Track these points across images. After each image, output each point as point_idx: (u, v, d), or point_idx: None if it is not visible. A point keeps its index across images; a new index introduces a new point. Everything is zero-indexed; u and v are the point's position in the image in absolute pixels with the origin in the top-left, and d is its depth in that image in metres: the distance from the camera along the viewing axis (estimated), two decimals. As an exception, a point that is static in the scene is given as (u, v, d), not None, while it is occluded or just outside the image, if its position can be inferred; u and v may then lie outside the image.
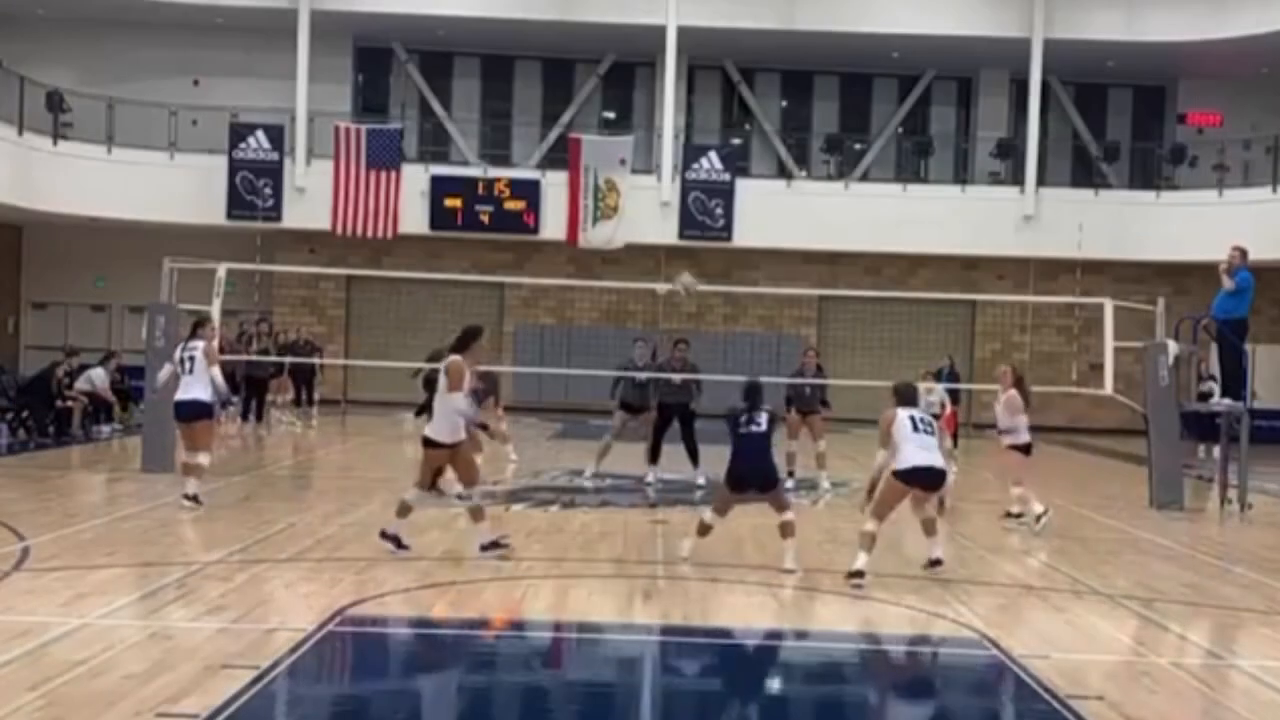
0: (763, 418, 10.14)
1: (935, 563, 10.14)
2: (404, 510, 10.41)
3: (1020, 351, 30.54)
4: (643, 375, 16.20)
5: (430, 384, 15.59)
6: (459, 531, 11.71)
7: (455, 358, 10.56)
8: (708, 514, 10.43)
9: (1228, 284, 15.20)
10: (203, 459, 12.61)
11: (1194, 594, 9.86)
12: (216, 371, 12.68)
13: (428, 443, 10.31)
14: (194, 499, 12.27)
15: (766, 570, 10.31)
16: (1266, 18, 26.91)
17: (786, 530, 10.14)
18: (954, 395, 22.80)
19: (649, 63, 30.40)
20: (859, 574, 9.56)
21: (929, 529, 10.22)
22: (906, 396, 10.46)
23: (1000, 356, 30.42)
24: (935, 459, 9.94)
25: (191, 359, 12.61)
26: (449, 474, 10.60)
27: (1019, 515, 13.57)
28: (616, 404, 16.17)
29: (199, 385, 12.56)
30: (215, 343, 13.12)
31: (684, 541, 10.51)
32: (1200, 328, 16.81)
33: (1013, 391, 13.89)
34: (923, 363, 28.68)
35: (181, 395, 12.64)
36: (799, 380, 16.61)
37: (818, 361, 17.12)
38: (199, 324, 13.08)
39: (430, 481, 10.49)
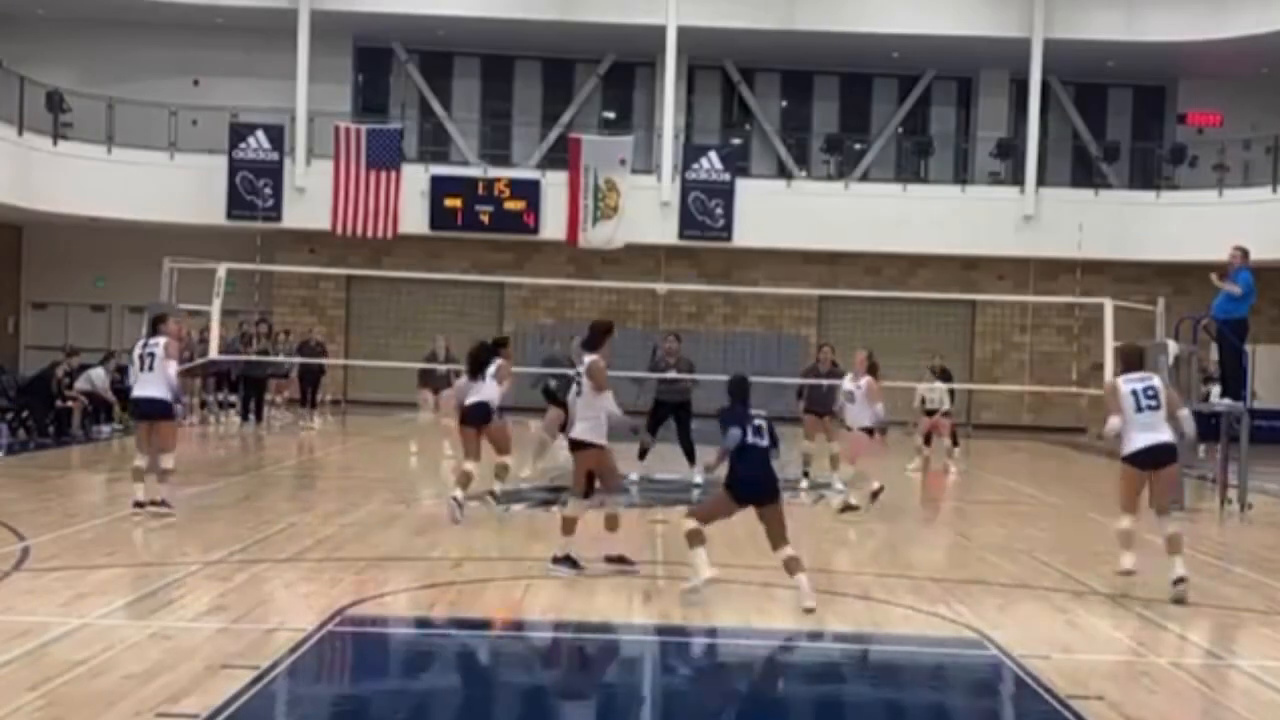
0: (762, 426, 9.11)
1: (1179, 581, 9.44)
2: (569, 526, 9.81)
3: (1020, 351, 30.56)
4: (639, 374, 16.15)
5: (550, 394, 15.66)
6: (459, 531, 11.72)
7: (595, 357, 10.00)
8: (692, 522, 9.17)
9: (1232, 288, 15.17)
10: (168, 461, 12.06)
11: (1194, 594, 9.84)
12: (173, 368, 12.12)
13: (579, 445, 9.88)
14: (163, 503, 11.80)
15: (766, 570, 10.31)
16: (1266, 18, 26.90)
17: (793, 567, 8.93)
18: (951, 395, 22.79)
19: (649, 63, 30.40)
20: (1128, 573, 9.57)
21: (1173, 546, 9.58)
22: (1130, 360, 9.87)
23: (1000, 356, 30.54)
24: (1162, 435, 9.51)
25: (152, 356, 12.05)
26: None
27: (856, 507, 13.79)
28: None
29: (158, 383, 12.00)
30: (175, 342, 12.62)
31: (699, 571, 9.00)
32: (1200, 328, 16.80)
33: (871, 378, 14.32)
34: (924, 362, 28.78)
35: (140, 392, 12.12)
36: (812, 380, 16.50)
37: (833, 359, 16.86)
38: (160, 320, 12.53)
39: (588, 486, 9.97)
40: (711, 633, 8.50)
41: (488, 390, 12.55)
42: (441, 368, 19.65)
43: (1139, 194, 29.61)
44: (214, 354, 17.96)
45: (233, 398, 24.45)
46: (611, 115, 32.09)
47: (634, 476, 15.74)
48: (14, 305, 30.33)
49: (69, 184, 26.87)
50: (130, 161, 27.87)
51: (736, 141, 31.46)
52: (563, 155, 29.21)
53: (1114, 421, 9.63)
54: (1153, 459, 9.53)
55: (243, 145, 28.45)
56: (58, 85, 27.51)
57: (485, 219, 28.88)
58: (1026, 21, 28.64)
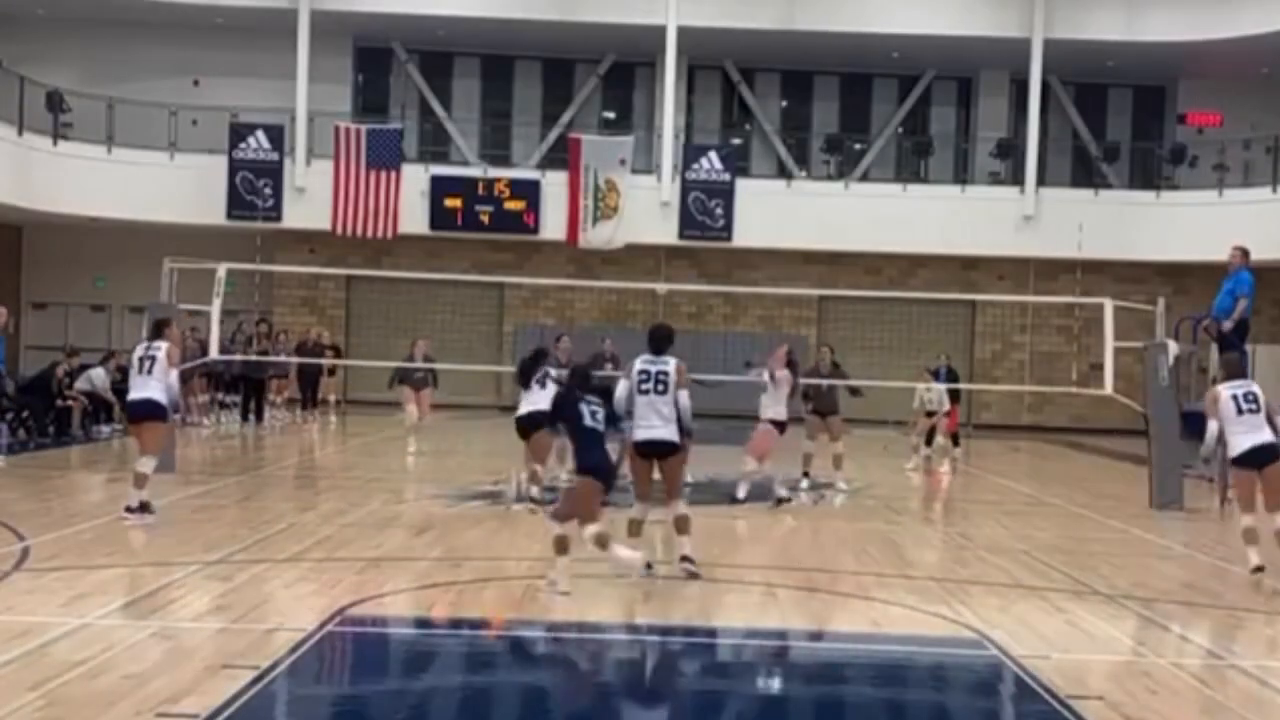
0: (599, 410, 9.32)
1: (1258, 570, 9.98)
2: (684, 524, 9.74)
3: (1020, 351, 30.56)
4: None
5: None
6: (459, 531, 11.72)
7: (678, 362, 9.87)
8: (558, 527, 9.14)
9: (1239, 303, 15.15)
10: (147, 466, 11.74)
11: (1194, 594, 9.85)
12: (174, 376, 12.11)
13: (667, 446, 9.72)
14: (142, 508, 11.56)
15: (766, 570, 10.32)
16: (1266, 18, 26.89)
17: (602, 540, 9.04)
18: (954, 395, 22.80)
19: (649, 63, 30.40)
20: (1259, 569, 9.92)
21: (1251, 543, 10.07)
22: (1231, 369, 10.69)
23: (1000, 356, 30.54)
24: (1264, 436, 10.04)
25: (152, 359, 11.97)
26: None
27: (787, 499, 14.04)
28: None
29: (154, 386, 11.89)
30: (176, 348, 12.55)
31: (624, 552, 9.10)
32: (1200, 328, 16.81)
33: (789, 373, 14.33)
34: (922, 363, 28.78)
35: (135, 394, 12.03)
36: (813, 380, 16.53)
37: (833, 359, 16.91)
38: (163, 324, 12.45)
39: (648, 488, 9.94)
40: (711, 633, 8.49)
41: (539, 398, 12.28)
42: (423, 366, 19.78)
43: (1139, 194, 29.60)
44: (214, 354, 17.97)
45: (231, 398, 24.47)
46: (611, 115, 32.08)
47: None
48: (14, 305, 30.28)
49: (69, 184, 26.87)
50: (130, 161, 27.86)
51: (736, 141, 31.46)
52: (563, 155, 29.21)
53: (1213, 426, 10.38)
54: (1256, 461, 10.10)
55: (243, 145, 28.45)
56: (58, 85, 27.50)
57: (485, 219, 28.87)
58: (1026, 21, 28.63)
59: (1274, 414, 10.34)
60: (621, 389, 9.85)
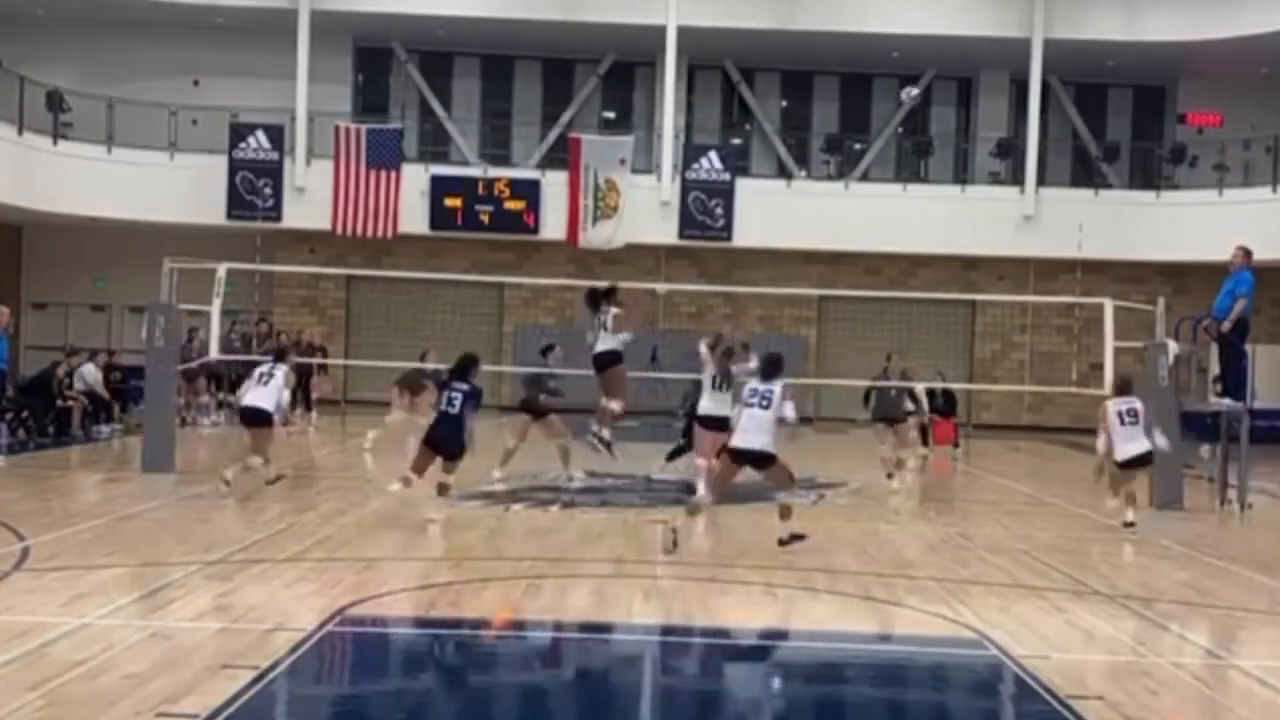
0: (456, 397, 11.94)
1: (1129, 524, 12.87)
2: (787, 512, 10.99)
3: (1020, 351, 30.55)
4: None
5: (550, 393, 16.47)
6: (459, 531, 11.73)
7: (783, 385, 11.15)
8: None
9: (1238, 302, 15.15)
10: (254, 462, 13.88)
11: (1194, 594, 9.86)
12: (286, 396, 14.24)
13: (764, 456, 10.86)
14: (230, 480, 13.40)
15: (766, 570, 10.32)
16: (1266, 18, 26.88)
17: (443, 489, 12.08)
18: (950, 406, 22.81)
19: (649, 63, 30.39)
20: (1130, 524, 12.85)
21: (1130, 499, 13.06)
22: (1121, 387, 13.56)
23: (1000, 356, 30.54)
24: (1143, 445, 13.03)
25: (271, 376, 13.93)
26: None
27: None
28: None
29: (269, 397, 13.83)
30: (293, 374, 14.79)
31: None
32: (1200, 328, 16.79)
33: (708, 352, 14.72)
34: (923, 363, 28.73)
35: (248, 402, 14.04)
36: (881, 383, 16.75)
37: (903, 367, 17.45)
38: (285, 352, 15.13)
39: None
40: (711, 633, 8.50)
41: (608, 339, 13.80)
42: (429, 367, 19.73)
43: (1139, 194, 29.59)
44: (214, 354, 17.98)
45: (231, 398, 24.48)
46: (611, 115, 32.08)
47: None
48: (14, 305, 30.26)
49: (69, 184, 26.86)
50: (130, 161, 27.85)
51: (736, 141, 31.45)
52: (563, 155, 29.21)
53: (1104, 438, 13.22)
54: (1140, 462, 13.25)
55: (243, 145, 28.44)
56: (58, 85, 27.49)
57: (485, 219, 28.87)
58: (1026, 21, 28.63)
59: (1151, 426, 13.09)
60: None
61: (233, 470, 13.47)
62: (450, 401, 11.92)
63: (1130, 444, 13.02)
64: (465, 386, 12.03)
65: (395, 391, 19.47)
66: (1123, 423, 13.03)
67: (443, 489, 11.99)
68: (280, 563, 9.87)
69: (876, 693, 7.48)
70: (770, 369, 11.18)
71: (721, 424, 12.70)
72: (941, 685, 7.79)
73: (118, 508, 12.29)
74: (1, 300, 19.69)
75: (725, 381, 13.50)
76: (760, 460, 10.79)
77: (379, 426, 19.17)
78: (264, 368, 14.24)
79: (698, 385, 14.84)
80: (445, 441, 11.96)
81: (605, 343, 13.71)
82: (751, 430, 10.72)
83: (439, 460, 12.09)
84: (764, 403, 10.78)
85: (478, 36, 30.07)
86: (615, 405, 13.89)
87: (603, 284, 14.68)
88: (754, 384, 11.12)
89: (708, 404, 13.71)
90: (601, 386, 13.99)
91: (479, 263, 28.85)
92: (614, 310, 13.77)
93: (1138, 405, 13.12)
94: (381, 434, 18.96)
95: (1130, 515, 12.96)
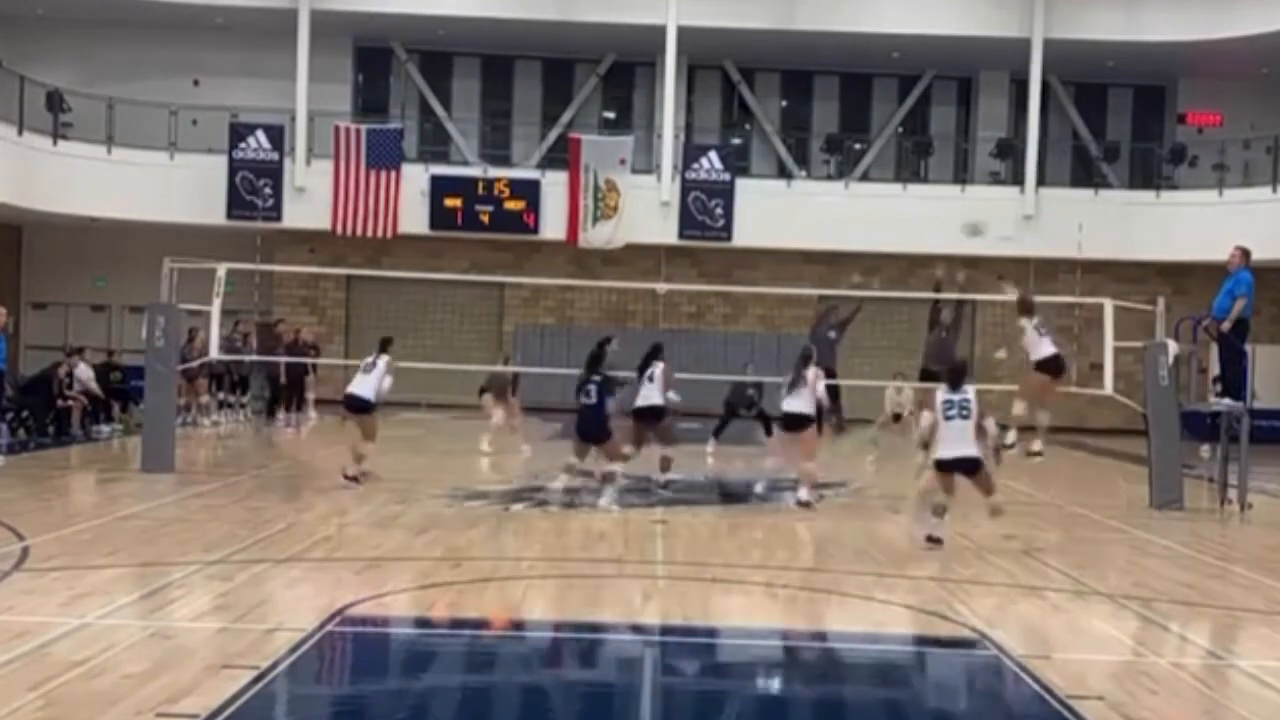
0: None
1: (934, 540, 11.56)
2: (998, 511, 11.82)
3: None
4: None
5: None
6: (459, 531, 11.72)
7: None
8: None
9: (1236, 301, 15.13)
10: (365, 447, 14.75)
11: (1194, 594, 9.85)
12: (388, 383, 14.92)
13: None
14: (358, 477, 14.40)
15: (767, 570, 10.32)
16: (1266, 18, 26.88)
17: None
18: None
19: (649, 63, 30.39)
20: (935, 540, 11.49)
21: (938, 511, 11.64)
22: (951, 375, 11.97)
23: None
24: (967, 449, 11.54)
25: (375, 365, 14.90)
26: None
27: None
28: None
29: (369, 386, 14.79)
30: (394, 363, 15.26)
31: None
32: (1200, 328, 16.79)
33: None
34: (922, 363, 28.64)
35: (351, 389, 15.03)
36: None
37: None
38: (386, 341, 15.49)
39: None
40: (711, 633, 8.49)
41: (652, 393, 14.62)
42: (509, 371, 20.27)
43: (1139, 194, 29.58)
44: (214, 354, 17.99)
45: (232, 398, 24.50)
46: (611, 115, 32.08)
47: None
48: (14, 305, 30.29)
49: (69, 184, 26.86)
50: (130, 161, 27.85)
51: (736, 141, 31.45)
52: (563, 155, 29.21)
53: (926, 419, 12.28)
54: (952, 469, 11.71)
55: (243, 145, 28.44)
56: (58, 85, 27.49)
57: (485, 219, 28.87)
58: (1026, 21, 28.62)
59: (984, 418, 11.81)
60: (926, 420, 12.08)
61: (354, 468, 14.41)
62: (588, 393, 13.35)
63: (951, 444, 11.49)
64: (599, 378, 13.45)
65: (488, 398, 19.44)
66: (947, 416, 11.54)
67: (608, 477, 13.59)
68: (280, 563, 9.87)
69: (876, 693, 7.48)
70: (956, 378, 11.73)
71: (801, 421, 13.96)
72: (941, 685, 7.79)
73: (118, 508, 12.29)
74: (1, 300, 19.71)
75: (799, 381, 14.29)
76: (971, 467, 11.50)
77: (489, 431, 19.35)
78: (369, 358, 15.09)
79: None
80: (590, 432, 13.47)
81: (651, 397, 14.65)
82: (954, 440, 11.42)
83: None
84: (964, 413, 11.45)
85: (478, 36, 30.07)
86: (670, 452, 15.22)
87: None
88: (946, 394, 11.56)
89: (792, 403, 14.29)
90: (653, 436, 15.01)
91: (479, 263, 28.84)
92: (662, 365, 14.74)
93: (970, 397, 11.59)
94: (493, 436, 19.14)
95: (935, 529, 11.46)
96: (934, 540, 11.36)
